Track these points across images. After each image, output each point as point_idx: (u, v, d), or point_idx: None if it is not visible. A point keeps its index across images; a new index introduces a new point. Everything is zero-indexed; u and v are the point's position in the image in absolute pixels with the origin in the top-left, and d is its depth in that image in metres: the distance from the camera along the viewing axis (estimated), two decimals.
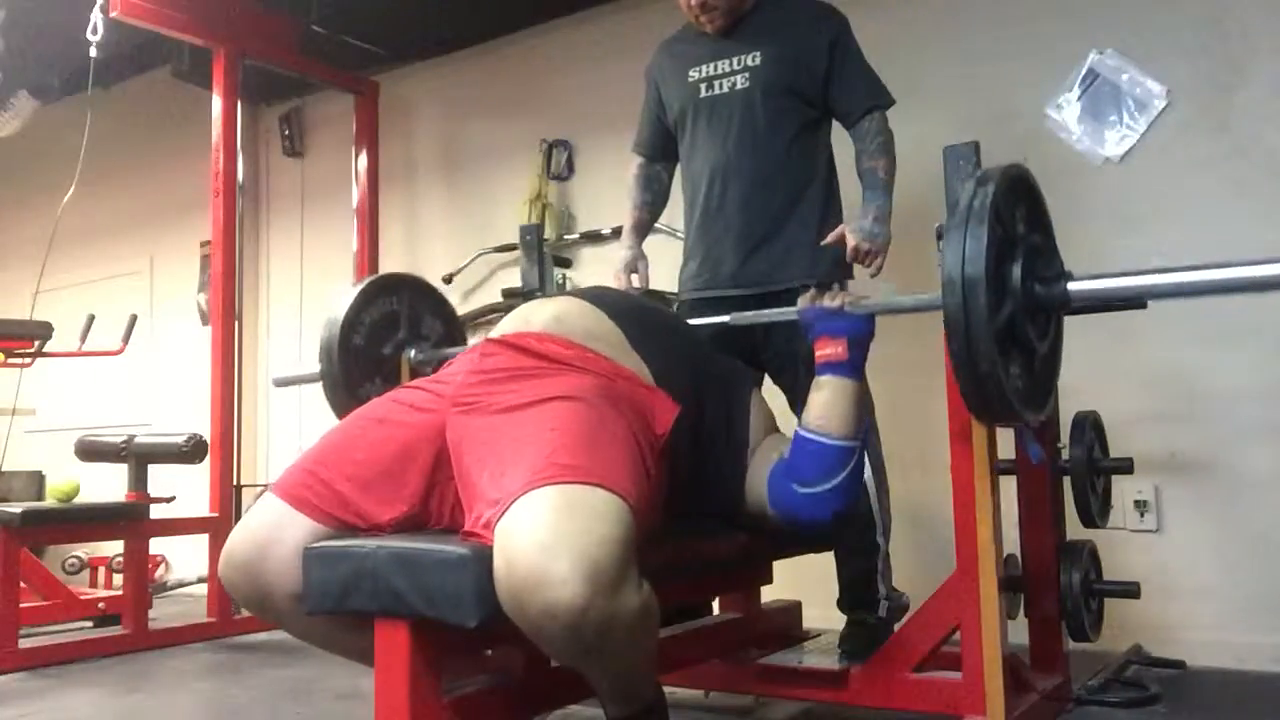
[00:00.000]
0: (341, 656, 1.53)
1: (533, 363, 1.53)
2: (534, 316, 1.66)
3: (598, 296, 1.73)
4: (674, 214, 3.62)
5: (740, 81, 2.31)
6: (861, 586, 2.27)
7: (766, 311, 2.00)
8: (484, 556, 1.23)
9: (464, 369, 1.56)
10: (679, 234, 3.57)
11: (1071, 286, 1.53)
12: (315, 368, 2.43)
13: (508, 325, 1.69)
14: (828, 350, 1.67)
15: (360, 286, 2.41)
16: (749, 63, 2.31)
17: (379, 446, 1.45)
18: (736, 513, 1.74)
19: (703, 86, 2.37)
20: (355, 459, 1.44)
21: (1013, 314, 1.48)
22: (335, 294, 2.42)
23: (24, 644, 2.97)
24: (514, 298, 3.06)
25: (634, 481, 1.30)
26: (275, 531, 1.40)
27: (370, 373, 2.39)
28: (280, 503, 1.42)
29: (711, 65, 2.36)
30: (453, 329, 2.59)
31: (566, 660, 1.29)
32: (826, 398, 1.65)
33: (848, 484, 1.63)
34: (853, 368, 1.66)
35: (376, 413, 1.55)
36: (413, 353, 2.43)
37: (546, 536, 1.16)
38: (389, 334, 2.45)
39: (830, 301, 1.71)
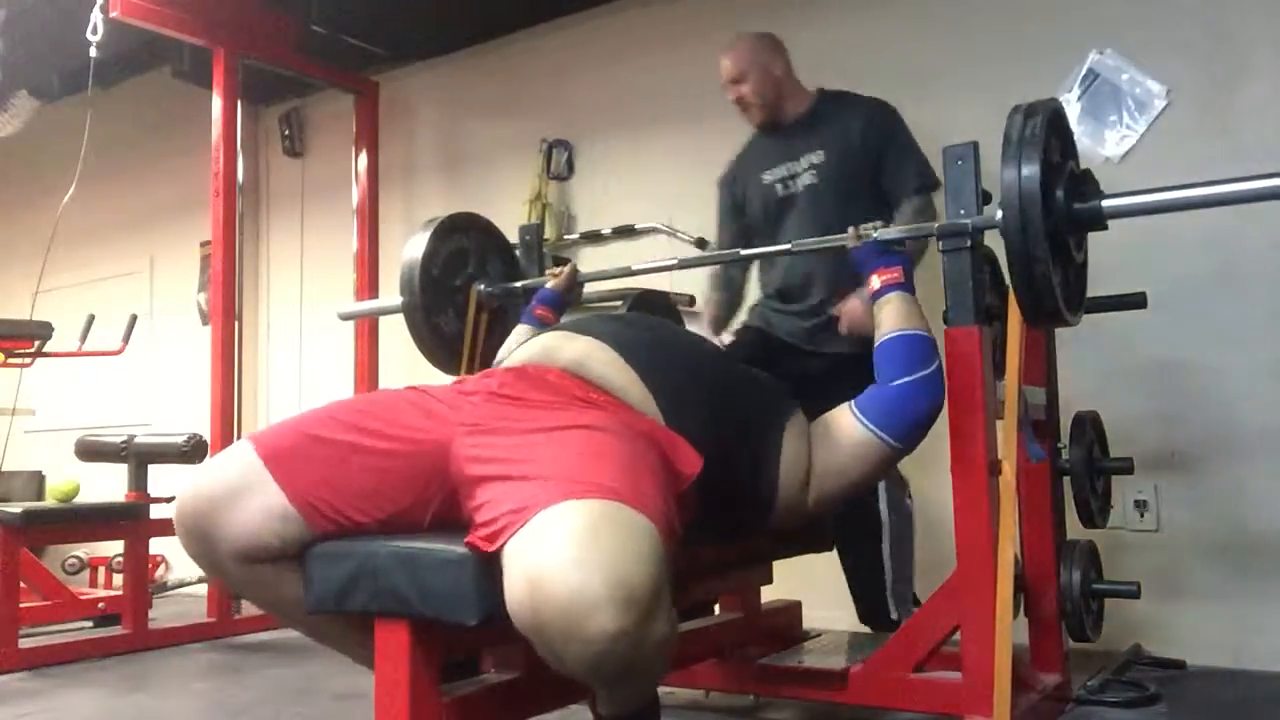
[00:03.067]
0: (275, 616, 1.51)
1: (551, 397, 1.47)
2: (558, 354, 1.59)
3: (625, 342, 1.61)
4: (673, 215, 3.63)
5: (809, 178, 2.58)
6: (871, 601, 2.48)
7: (820, 239, 2.12)
8: (485, 556, 1.22)
9: (481, 391, 1.50)
10: (679, 234, 3.60)
11: (1105, 203, 1.72)
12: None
13: (528, 354, 1.64)
14: (886, 276, 1.85)
15: (435, 223, 2.57)
16: (814, 160, 2.58)
17: (374, 458, 1.37)
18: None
19: (778, 186, 2.64)
20: (348, 460, 1.36)
21: (1058, 229, 1.69)
22: (413, 234, 2.58)
23: (24, 644, 2.97)
24: None
25: (663, 513, 1.21)
26: (244, 488, 1.33)
27: (444, 304, 2.54)
28: (259, 462, 1.34)
29: (784, 167, 2.64)
30: (513, 268, 2.70)
31: (576, 679, 1.17)
32: (897, 306, 1.81)
33: (940, 374, 1.74)
34: (909, 285, 1.85)
35: (385, 410, 1.45)
36: (482, 286, 2.57)
37: (579, 553, 1.07)
38: (459, 268, 2.60)
39: (874, 233, 1.91)
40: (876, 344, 1.79)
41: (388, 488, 1.36)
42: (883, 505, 2.43)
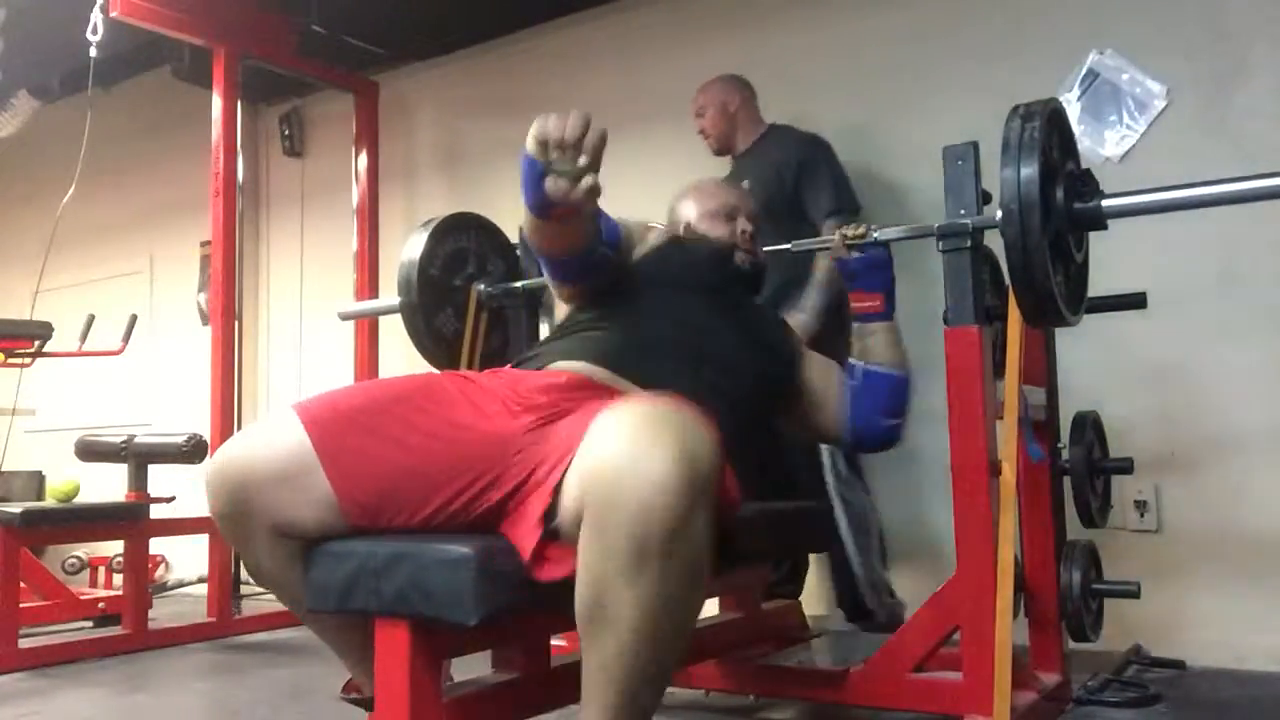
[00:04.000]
0: (282, 596, 1.47)
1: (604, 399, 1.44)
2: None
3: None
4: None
5: None
6: (850, 599, 2.74)
7: (806, 242, 2.18)
8: (486, 555, 1.23)
9: (532, 412, 1.43)
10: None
11: (1105, 203, 1.72)
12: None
13: (591, 370, 1.58)
14: (867, 303, 1.90)
15: (434, 223, 2.57)
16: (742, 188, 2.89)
17: (421, 457, 1.34)
18: None
19: None
20: (396, 459, 1.34)
21: (1058, 230, 1.69)
22: (413, 232, 2.60)
23: (24, 644, 2.97)
24: None
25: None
26: (294, 473, 1.31)
27: (443, 304, 2.56)
28: (310, 446, 1.32)
29: None
30: (513, 268, 2.72)
31: (611, 575, 1.11)
32: (884, 338, 1.89)
33: (904, 424, 1.90)
34: (890, 314, 1.91)
35: (436, 405, 1.41)
36: (482, 286, 2.59)
37: (645, 424, 1.12)
38: (459, 268, 2.61)
39: (853, 231, 1.91)
40: (865, 368, 1.88)
41: (430, 489, 1.34)
42: (837, 505, 2.71)
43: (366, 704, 1.37)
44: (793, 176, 2.86)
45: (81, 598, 3.59)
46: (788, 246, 2.12)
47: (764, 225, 2.58)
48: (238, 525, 1.36)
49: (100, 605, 3.56)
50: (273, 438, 1.35)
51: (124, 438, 3.49)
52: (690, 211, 2.06)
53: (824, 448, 2.72)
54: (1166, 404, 2.70)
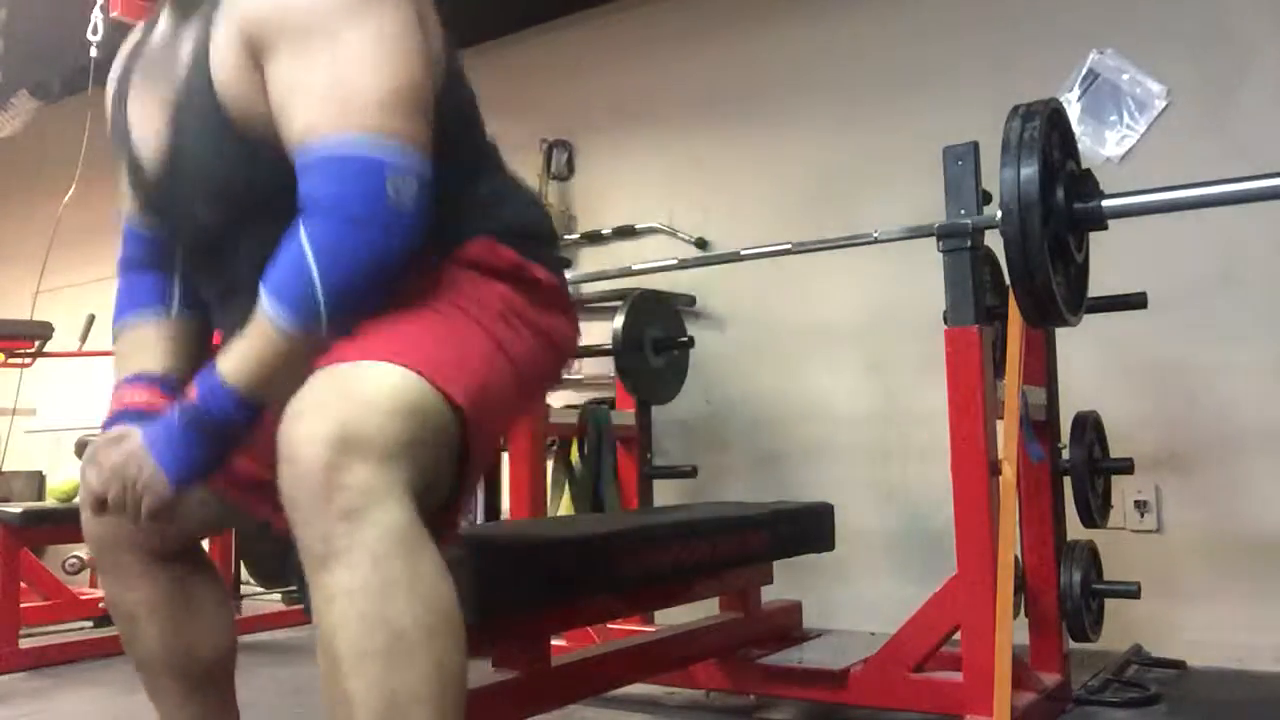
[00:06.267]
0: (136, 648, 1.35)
1: None
2: None
3: None
4: (673, 215, 3.63)
5: None
6: None
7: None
8: (485, 556, 1.23)
9: None
10: (679, 234, 3.60)
11: (1106, 203, 1.73)
12: None
13: None
14: None
15: None
16: None
17: None
18: None
19: None
20: None
21: (1058, 230, 1.69)
22: None
23: (24, 644, 2.98)
24: None
25: (438, 350, 1.04)
26: None
27: None
28: None
29: None
30: None
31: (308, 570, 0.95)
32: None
33: None
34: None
35: None
36: None
37: (297, 404, 0.96)
38: None
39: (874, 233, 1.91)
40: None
41: None
42: None
43: None
44: None
45: (81, 598, 3.58)
46: (787, 247, 2.12)
47: None
48: (117, 546, 1.33)
49: (100, 605, 3.54)
50: None
51: None
52: None
53: None
54: (1166, 404, 2.70)
